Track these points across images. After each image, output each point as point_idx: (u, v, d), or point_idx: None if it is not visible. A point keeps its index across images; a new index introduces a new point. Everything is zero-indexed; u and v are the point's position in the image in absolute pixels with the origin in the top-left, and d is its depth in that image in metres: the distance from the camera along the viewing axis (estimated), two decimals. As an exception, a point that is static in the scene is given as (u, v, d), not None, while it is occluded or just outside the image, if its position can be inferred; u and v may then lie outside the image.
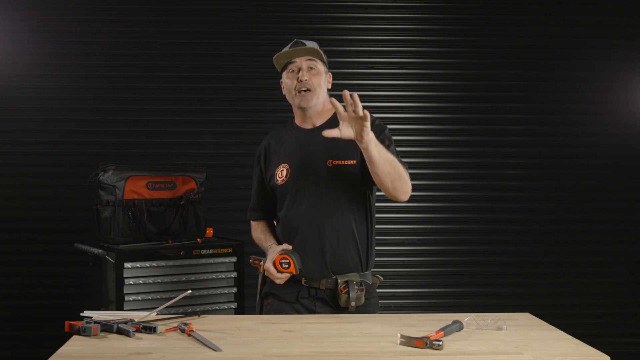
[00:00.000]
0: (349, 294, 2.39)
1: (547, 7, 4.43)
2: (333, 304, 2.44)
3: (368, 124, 2.16)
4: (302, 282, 2.45)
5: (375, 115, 2.64)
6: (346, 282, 2.41)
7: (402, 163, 2.37)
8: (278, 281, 2.40)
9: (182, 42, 4.29)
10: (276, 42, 4.30)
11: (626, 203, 4.44)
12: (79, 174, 3.91)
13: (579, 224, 4.42)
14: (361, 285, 2.42)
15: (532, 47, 4.43)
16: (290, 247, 2.43)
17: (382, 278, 2.58)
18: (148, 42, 4.27)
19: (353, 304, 2.39)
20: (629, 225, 4.44)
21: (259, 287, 2.61)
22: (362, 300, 2.42)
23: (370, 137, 2.19)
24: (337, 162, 2.44)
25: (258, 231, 2.68)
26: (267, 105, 4.31)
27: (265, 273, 2.44)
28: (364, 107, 2.18)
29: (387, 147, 2.39)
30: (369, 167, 2.29)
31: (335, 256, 2.43)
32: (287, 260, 2.37)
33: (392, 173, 2.28)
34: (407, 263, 4.35)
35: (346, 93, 2.15)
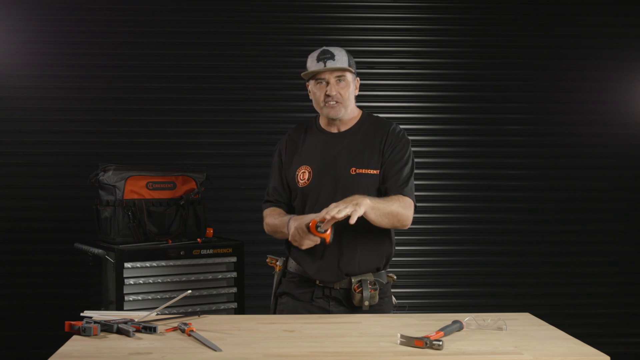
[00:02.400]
0: (362, 293, 2.40)
1: (548, 7, 4.43)
2: (347, 304, 2.46)
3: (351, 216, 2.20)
4: (317, 283, 2.46)
5: (376, 115, 2.64)
6: (360, 281, 2.43)
7: (407, 193, 2.44)
8: (304, 243, 2.32)
9: (182, 42, 4.29)
10: (276, 43, 4.35)
11: (626, 203, 4.43)
12: (79, 174, 3.91)
13: (579, 224, 4.41)
14: (375, 284, 2.44)
15: (532, 47, 4.43)
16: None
17: (395, 277, 2.58)
18: (148, 42, 4.27)
19: (367, 303, 2.40)
20: (629, 225, 4.43)
21: (274, 286, 2.61)
22: (376, 299, 2.43)
23: (362, 210, 2.22)
24: (360, 170, 2.45)
25: (275, 213, 2.56)
26: (267, 105, 4.31)
27: (291, 236, 2.34)
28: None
29: (401, 168, 2.46)
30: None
31: (352, 263, 2.44)
32: (327, 227, 2.25)
33: (389, 223, 2.39)
34: (408, 263, 4.35)
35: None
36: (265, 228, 2.59)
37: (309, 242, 2.32)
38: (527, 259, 4.39)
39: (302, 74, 2.50)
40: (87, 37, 4.22)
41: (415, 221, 4.25)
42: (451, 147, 4.39)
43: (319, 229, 2.27)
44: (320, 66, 2.44)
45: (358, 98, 4.25)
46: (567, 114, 4.43)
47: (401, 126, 4.21)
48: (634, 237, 4.43)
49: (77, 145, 4.21)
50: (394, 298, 2.59)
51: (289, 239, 2.39)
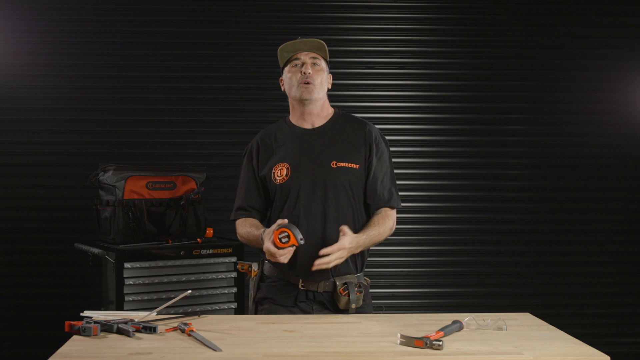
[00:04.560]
0: (349, 296, 2.38)
1: (548, 7, 4.43)
2: (331, 307, 2.44)
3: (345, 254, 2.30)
4: (300, 286, 2.43)
5: (373, 115, 2.65)
6: (345, 284, 2.41)
7: (393, 203, 2.50)
8: (282, 259, 2.24)
9: (182, 42, 4.29)
10: (276, 43, 4.28)
11: (626, 203, 4.44)
12: (79, 174, 3.92)
13: (579, 224, 4.42)
14: (360, 287, 2.42)
15: (532, 47, 4.43)
16: (285, 221, 2.29)
17: (369, 280, 2.57)
18: (148, 42, 4.27)
19: (354, 305, 2.39)
20: (629, 225, 4.43)
21: (251, 292, 2.56)
22: (361, 302, 2.42)
23: (357, 246, 2.34)
24: (341, 164, 2.44)
25: (247, 224, 2.51)
26: (267, 105, 4.31)
27: (267, 257, 2.29)
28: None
29: (384, 176, 2.49)
30: None
31: None
32: (286, 234, 2.22)
33: (378, 243, 2.47)
34: (407, 263, 4.35)
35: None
36: (239, 238, 2.56)
37: (284, 257, 2.25)
38: (527, 259, 4.39)
39: (279, 49, 2.53)
40: (87, 37, 4.22)
41: (415, 221, 4.32)
42: (451, 147, 4.39)
43: (282, 240, 2.23)
44: (296, 41, 2.50)
45: (359, 97, 4.29)
46: (567, 114, 4.43)
47: (400, 126, 4.31)
48: (634, 237, 4.44)
49: (77, 145, 4.21)
50: None
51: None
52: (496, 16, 4.43)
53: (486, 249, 4.38)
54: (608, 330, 4.38)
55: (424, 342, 1.90)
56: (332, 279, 2.42)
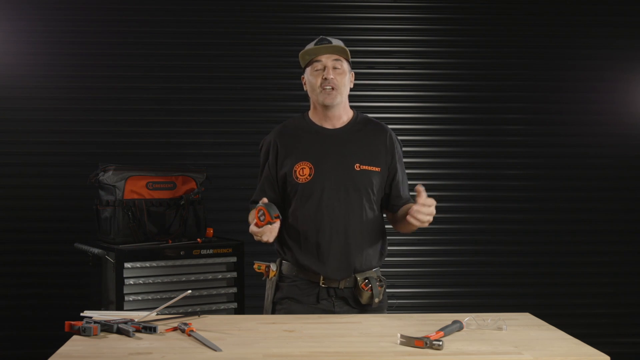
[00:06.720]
0: (372, 291, 2.41)
1: (548, 7, 4.43)
2: (353, 303, 2.46)
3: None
4: (321, 283, 2.44)
5: (373, 115, 2.65)
6: (366, 279, 2.43)
7: (412, 199, 2.53)
8: (264, 238, 2.23)
9: (182, 42, 4.29)
10: (276, 42, 4.35)
11: (626, 203, 4.43)
12: (79, 174, 3.92)
13: (579, 224, 4.41)
14: (381, 281, 2.46)
15: (532, 47, 4.43)
16: (265, 200, 2.28)
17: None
18: (148, 42, 4.27)
19: (377, 300, 2.42)
20: (629, 225, 4.43)
21: (269, 293, 2.54)
22: (381, 295, 2.45)
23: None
24: (364, 167, 2.47)
25: (251, 214, 2.45)
26: (267, 105, 4.31)
27: (255, 238, 2.27)
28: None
29: (405, 179, 2.58)
30: (399, 226, 2.52)
31: (359, 257, 2.44)
32: (262, 212, 2.22)
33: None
34: (407, 263, 4.35)
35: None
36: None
37: (265, 235, 2.23)
38: (527, 259, 4.39)
39: (300, 53, 2.49)
40: (87, 37, 4.22)
41: (414, 221, 4.28)
42: (451, 147, 4.39)
43: (260, 219, 2.21)
44: (318, 47, 2.46)
45: (359, 97, 4.29)
46: (567, 114, 4.43)
47: (401, 126, 4.31)
48: (634, 237, 4.43)
49: (77, 145, 4.21)
50: None
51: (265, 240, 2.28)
52: (496, 16, 4.43)
53: (486, 249, 4.38)
54: (608, 330, 4.38)
55: (424, 342, 1.90)
56: (353, 275, 2.44)
